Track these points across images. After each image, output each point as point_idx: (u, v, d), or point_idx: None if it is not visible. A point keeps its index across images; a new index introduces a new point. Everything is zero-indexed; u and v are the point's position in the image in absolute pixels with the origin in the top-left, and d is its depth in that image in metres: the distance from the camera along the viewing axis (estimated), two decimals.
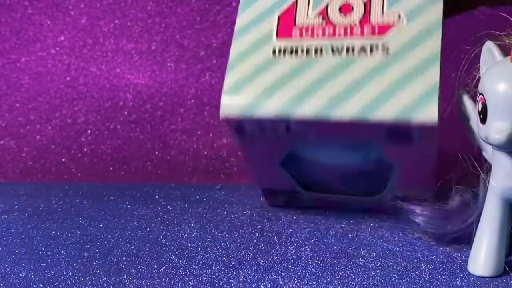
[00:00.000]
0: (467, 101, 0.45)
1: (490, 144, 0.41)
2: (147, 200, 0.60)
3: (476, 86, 0.42)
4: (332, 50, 0.36)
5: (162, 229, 0.52)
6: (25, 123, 0.70)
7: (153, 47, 0.68)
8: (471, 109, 0.44)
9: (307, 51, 0.36)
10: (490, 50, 0.42)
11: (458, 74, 0.55)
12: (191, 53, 0.68)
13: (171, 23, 0.68)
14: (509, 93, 0.39)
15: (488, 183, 0.43)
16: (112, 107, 0.69)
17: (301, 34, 0.36)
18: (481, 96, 0.41)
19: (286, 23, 0.37)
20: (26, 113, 0.70)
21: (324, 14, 0.37)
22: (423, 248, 0.47)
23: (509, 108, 0.40)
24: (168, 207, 0.58)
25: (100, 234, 0.51)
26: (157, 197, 0.61)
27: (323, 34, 0.36)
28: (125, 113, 0.69)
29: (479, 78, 0.42)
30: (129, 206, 0.58)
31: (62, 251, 0.48)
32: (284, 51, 0.37)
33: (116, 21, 0.68)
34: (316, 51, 0.36)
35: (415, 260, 0.45)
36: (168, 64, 0.69)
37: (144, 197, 0.61)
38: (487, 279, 0.43)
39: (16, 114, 0.70)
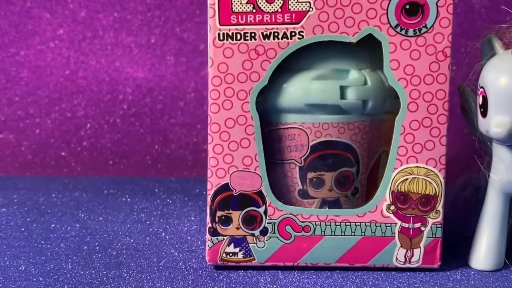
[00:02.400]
0: (468, 95, 0.44)
1: (490, 137, 0.41)
2: (146, 194, 0.60)
3: (477, 79, 0.42)
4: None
5: (161, 222, 0.52)
6: (24, 117, 0.69)
7: (153, 41, 0.68)
8: (473, 103, 0.44)
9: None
10: (491, 43, 0.42)
11: (458, 67, 0.55)
12: (190, 47, 0.68)
13: (171, 16, 0.68)
14: (509, 86, 0.39)
15: (489, 177, 0.43)
16: (112, 101, 0.69)
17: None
18: (481, 89, 0.41)
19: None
20: (25, 107, 0.69)
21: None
22: None
23: (510, 101, 0.39)
24: (168, 200, 0.58)
25: (99, 228, 0.51)
26: (156, 190, 0.61)
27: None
28: (125, 106, 0.69)
29: (480, 71, 0.42)
30: (128, 200, 0.58)
31: (62, 244, 0.47)
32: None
33: (115, 14, 0.68)
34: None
35: None
36: (168, 57, 0.68)
37: (144, 190, 0.61)
38: (487, 273, 0.43)
39: (15, 108, 0.69)
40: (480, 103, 0.41)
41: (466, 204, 0.48)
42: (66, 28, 0.68)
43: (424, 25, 0.39)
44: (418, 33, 0.39)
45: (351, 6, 0.39)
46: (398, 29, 0.39)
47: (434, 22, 0.39)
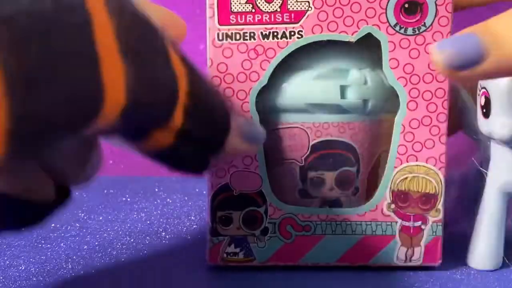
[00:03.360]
0: (464, 95, 0.44)
1: (492, 138, 0.41)
2: (147, 193, 0.60)
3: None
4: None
5: (162, 222, 0.52)
6: None
7: None
8: (467, 102, 0.44)
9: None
10: None
11: None
12: (190, 46, 0.68)
13: None
14: None
15: (487, 176, 0.43)
16: None
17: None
18: (483, 90, 0.41)
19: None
20: None
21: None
22: None
23: None
24: (168, 200, 0.58)
25: (99, 227, 0.51)
26: (156, 190, 0.61)
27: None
28: None
29: None
30: (129, 199, 0.58)
31: (62, 244, 0.48)
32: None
33: None
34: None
35: None
36: None
37: (144, 190, 0.61)
38: (487, 272, 0.43)
39: None
40: (482, 104, 0.41)
41: (466, 201, 0.48)
42: None
43: (423, 23, 0.39)
44: (417, 32, 0.39)
45: (350, 5, 0.39)
46: (397, 28, 0.39)
47: (433, 21, 0.39)
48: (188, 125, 0.32)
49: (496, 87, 0.40)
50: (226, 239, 0.42)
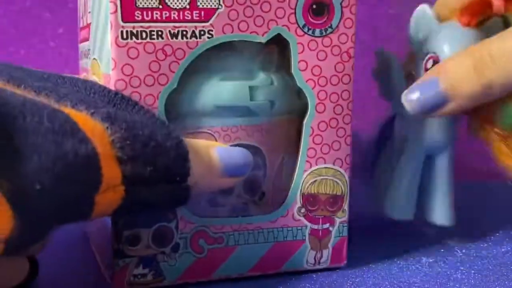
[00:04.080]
0: (391, 60, 0.46)
1: None
2: None
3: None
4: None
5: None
6: None
7: None
8: (394, 66, 0.46)
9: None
10: (426, 14, 0.44)
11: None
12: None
13: None
14: None
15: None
16: None
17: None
18: (432, 54, 0.42)
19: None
20: None
21: None
22: (424, 240, 0.47)
23: None
24: None
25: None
26: None
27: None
28: None
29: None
30: None
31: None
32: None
33: None
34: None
35: (416, 253, 0.46)
36: None
37: None
38: (486, 272, 0.43)
39: None
40: (429, 67, 0.43)
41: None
42: (66, 27, 0.67)
43: (329, 25, 0.39)
44: (324, 34, 0.39)
45: (260, 4, 0.37)
46: (306, 29, 0.39)
47: (339, 23, 0.39)
48: (132, 170, 0.30)
49: (448, 48, 0.42)
50: (133, 260, 0.38)
